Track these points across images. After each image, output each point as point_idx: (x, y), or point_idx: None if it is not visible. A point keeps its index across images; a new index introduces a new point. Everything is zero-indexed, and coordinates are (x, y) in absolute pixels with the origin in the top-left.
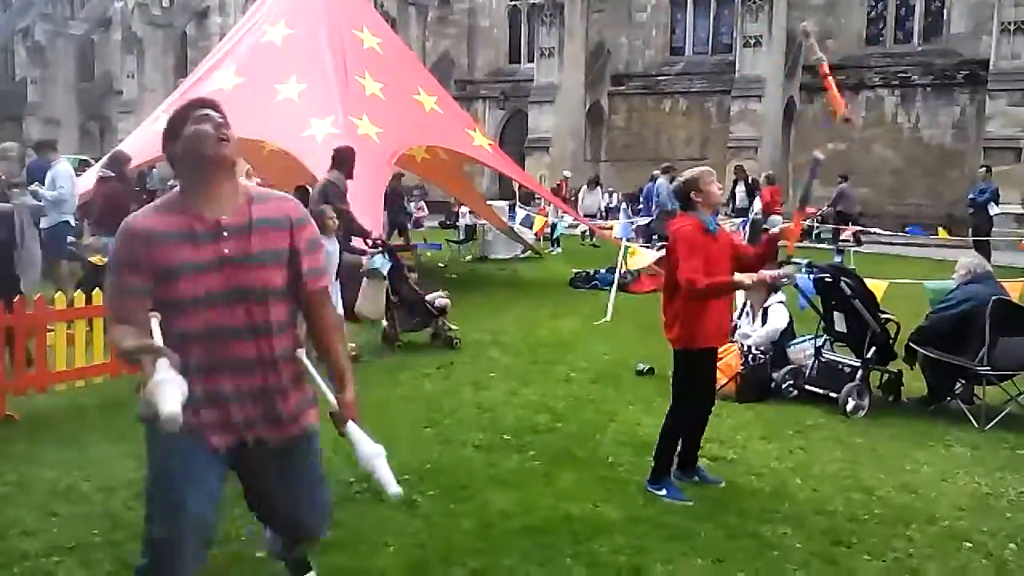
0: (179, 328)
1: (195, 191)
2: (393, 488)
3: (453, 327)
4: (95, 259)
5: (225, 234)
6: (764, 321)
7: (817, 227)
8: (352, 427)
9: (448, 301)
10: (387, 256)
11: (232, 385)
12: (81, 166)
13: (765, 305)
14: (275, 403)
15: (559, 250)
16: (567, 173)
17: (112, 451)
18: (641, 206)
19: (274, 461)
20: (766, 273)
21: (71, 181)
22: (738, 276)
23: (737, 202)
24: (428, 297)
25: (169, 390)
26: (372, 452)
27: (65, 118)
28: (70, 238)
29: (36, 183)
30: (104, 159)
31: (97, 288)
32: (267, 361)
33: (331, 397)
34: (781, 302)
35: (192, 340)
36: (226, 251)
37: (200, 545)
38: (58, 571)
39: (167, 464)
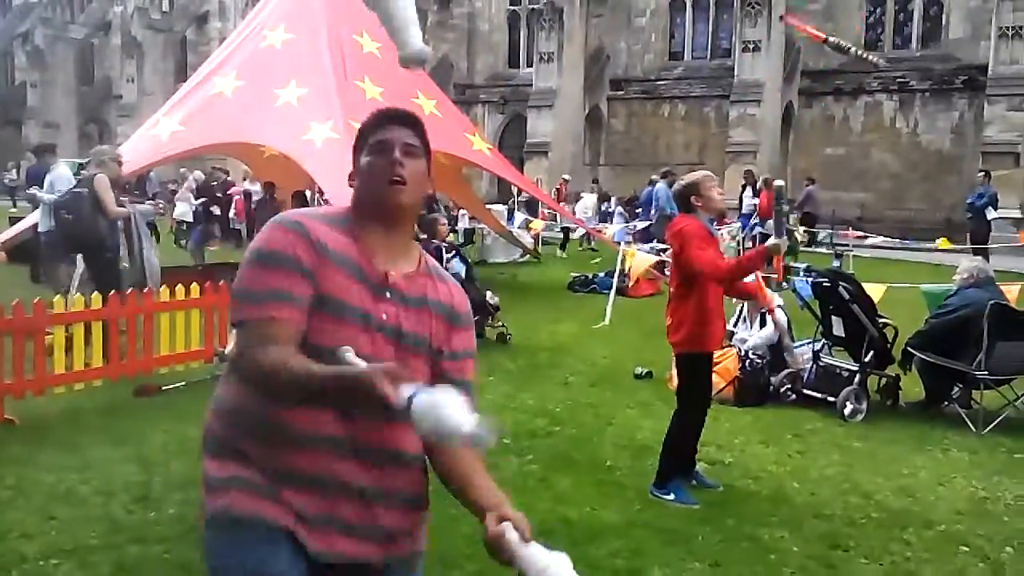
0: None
1: (368, 227)
2: None
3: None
4: None
5: (388, 295)
6: (762, 325)
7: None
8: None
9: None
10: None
11: (344, 478)
12: (80, 170)
13: (762, 310)
14: (392, 513)
15: (563, 254)
16: (566, 176)
17: (111, 454)
18: (640, 210)
19: None
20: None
21: (69, 185)
22: (769, 243)
23: (744, 207)
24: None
25: (453, 404)
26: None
27: (64, 122)
28: None
29: (35, 187)
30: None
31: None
32: (393, 457)
33: None
34: (779, 306)
35: (311, 405)
36: (383, 316)
37: None
38: (56, 574)
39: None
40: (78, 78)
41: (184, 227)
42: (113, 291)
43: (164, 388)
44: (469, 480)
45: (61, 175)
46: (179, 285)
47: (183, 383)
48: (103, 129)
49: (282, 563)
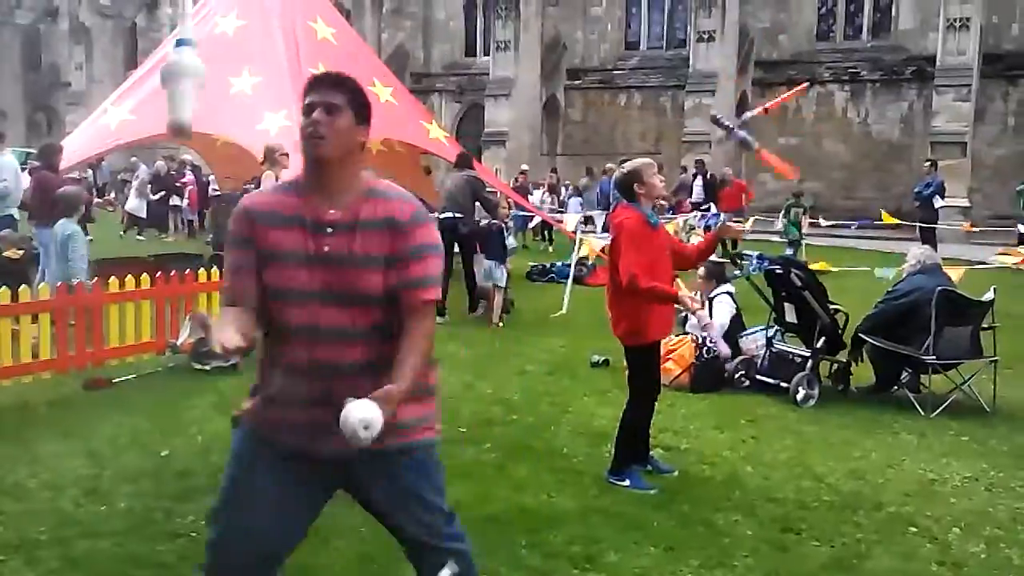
0: (276, 320)
1: (308, 178)
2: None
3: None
4: (9, 253)
5: (329, 230)
6: (711, 311)
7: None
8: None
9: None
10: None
11: (315, 390)
12: (28, 159)
13: (710, 296)
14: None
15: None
16: (525, 167)
17: (60, 448)
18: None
19: (364, 473)
20: (701, 312)
21: (15, 174)
22: (683, 293)
23: (693, 196)
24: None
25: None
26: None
27: (11, 110)
28: (7, 231)
29: None
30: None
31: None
32: (353, 368)
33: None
34: (728, 293)
35: (285, 335)
36: (326, 248)
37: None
38: (3, 570)
39: (233, 470)
40: (24, 65)
41: (134, 220)
42: None
43: (115, 381)
44: (400, 359)
45: (6, 164)
46: (129, 276)
47: (134, 375)
48: (51, 117)
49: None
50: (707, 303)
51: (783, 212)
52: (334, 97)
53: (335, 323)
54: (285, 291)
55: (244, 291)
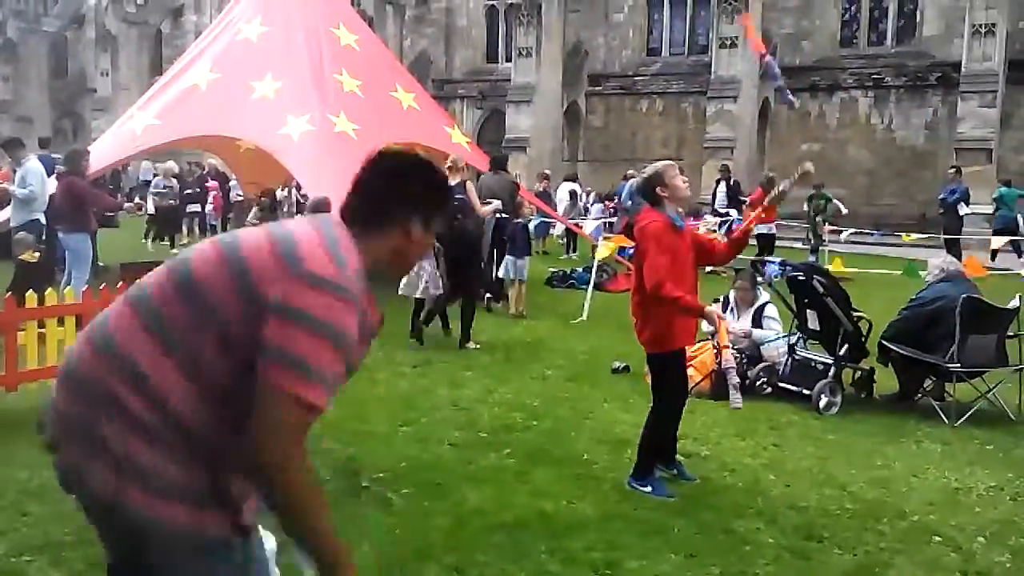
0: None
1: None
2: None
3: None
4: (26, 256)
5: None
6: (753, 320)
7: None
8: None
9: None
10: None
11: None
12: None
13: (759, 306)
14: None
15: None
16: (547, 171)
17: None
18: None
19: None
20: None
21: (41, 179)
22: (708, 309)
23: (716, 203)
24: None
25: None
26: None
27: (37, 116)
28: (22, 234)
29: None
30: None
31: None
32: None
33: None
34: (770, 302)
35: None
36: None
37: None
38: (29, 570)
39: None
40: (51, 71)
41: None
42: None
43: None
44: None
45: (32, 169)
46: None
47: None
48: (77, 123)
49: None
50: (752, 312)
51: (807, 201)
52: None
53: None
54: None
55: None
